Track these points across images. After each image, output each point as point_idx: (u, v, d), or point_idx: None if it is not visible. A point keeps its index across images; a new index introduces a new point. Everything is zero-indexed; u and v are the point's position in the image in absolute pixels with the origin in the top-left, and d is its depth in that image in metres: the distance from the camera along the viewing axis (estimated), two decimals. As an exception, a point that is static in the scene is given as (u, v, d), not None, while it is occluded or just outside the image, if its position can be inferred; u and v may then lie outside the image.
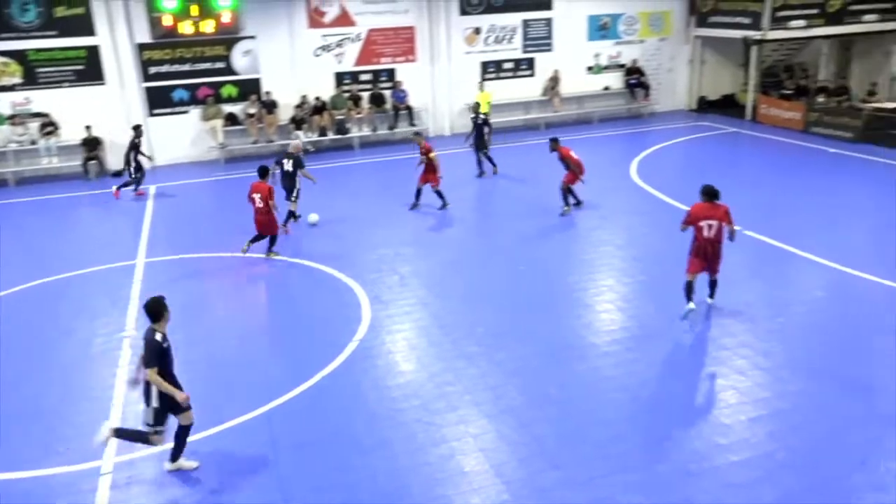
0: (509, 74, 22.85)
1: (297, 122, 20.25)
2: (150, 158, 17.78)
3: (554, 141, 14.56)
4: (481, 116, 17.56)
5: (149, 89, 19.54)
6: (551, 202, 14.89)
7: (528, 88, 22.98)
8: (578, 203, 14.79)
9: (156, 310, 6.65)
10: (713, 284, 9.97)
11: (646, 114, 24.12)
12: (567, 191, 14.44)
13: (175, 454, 7.03)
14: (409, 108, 21.53)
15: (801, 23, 21.49)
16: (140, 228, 14.66)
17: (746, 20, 21.84)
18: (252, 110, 20.10)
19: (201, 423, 7.26)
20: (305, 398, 8.22)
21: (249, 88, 20.25)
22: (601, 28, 23.54)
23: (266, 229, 12.48)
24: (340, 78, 21.25)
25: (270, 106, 20.22)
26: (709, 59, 24.88)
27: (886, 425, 7.33)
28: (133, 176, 17.00)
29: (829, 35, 22.60)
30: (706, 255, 9.51)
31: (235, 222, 14.86)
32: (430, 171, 14.72)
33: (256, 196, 12.27)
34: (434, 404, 8.03)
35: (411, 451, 7.24)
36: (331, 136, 20.93)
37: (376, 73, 21.58)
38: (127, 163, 17.02)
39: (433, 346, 9.40)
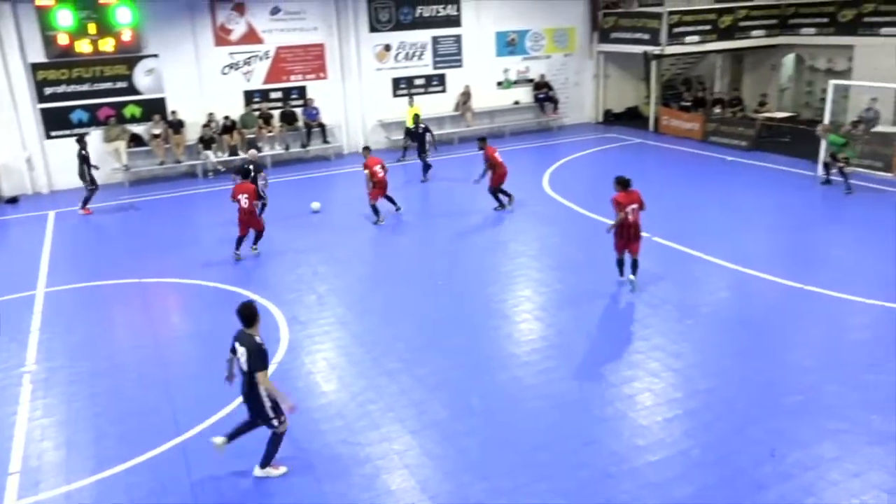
0: (421, 90, 23.02)
1: (206, 142, 19.74)
2: (96, 168, 17.28)
3: (482, 140, 15.74)
4: (422, 125, 18.62)
5: (45, 111, 18.64)
6: (465, 217, 15.06)
7: (440, 104, 23.22)
8: (510, 197, 15.60)
9: (250, 314, 6.80)
10: (635, 264, 11.14)
11: (555, 127, 24.77)
12: (496, 192, 15.39)
13: (264, 461, 7.06)
14: (321, 126, 21.36)
15: (696, 38, 22.64)
16: (39, 256, 13.91)
17: (646, 36, 22.82)
18: (157, 130, 19.47)
19: (111, 459, 6.93)
20: (223, 426, 7.94)
21: (154, 108, 19.61)
22: (509, 44, 24.08)
23: (253, 226, 13.16)
24: (250, 96, 20.88)
25: (177, 126, 19.64)
26: (612, 73, 25.82)
27: (789, 417, 7.73)
28: (92, 188, 16.64)
29: (722, 49, 23.89)
30: (628, 237, 10.87)
31: (142, 247, 14.36)
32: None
33: (243, 196, 12.80)
34: (357, 423, 7.94)
35: (336, 473, 7.12)
36: (242, 155, 20.47)
37: (287, 91, 21.33)
38: (82, 177, 16.55)
39: (354, 365, 9.30)
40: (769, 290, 11.07)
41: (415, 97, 22.03)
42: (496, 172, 15.19)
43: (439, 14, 22.75)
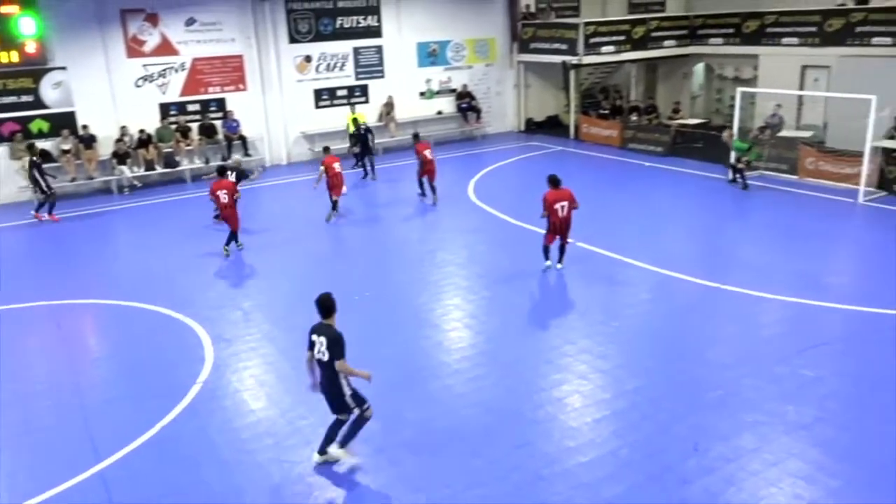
0: (343, 101, 22.89)
1: (121, 157, 19.04)
2: (53, 177, 17.07)
3: (415, 136, 17.62)
4: (363, 126, 19.62)
5: (-58, 127, 17.65)
6: (392, 228, 15.02)
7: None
8: (425, 195, 16.98)
9: (329, 305, 7.00)
10: (562, 249, 12.09)
11: (478, 136, 25.04)
12: (421, 182, 16.92)
13: (346, 439, 7.17)
14: (242, 139, 20.93)
15: (611, 48, 23.32)
16: (-61, 281, 13.09)
17: (563, 46, 23.36)
18: (66, 146, 18.66)
19: (24, 494, 6.56)
20: (146, 451, 7.66)
21: (63, 122, 18.80)
22: (430, 55, 24.23)
23: (230, 222, 13.64)
24: (166, 109, 20.28)
25: (88, 140, 18.88)
26: (533, 82, 26.31)
27: (711, 412, 8.00)
28: (48, 193, 16.59)
29: (636, 59, 24.69)
30: (559, 230, 11.81)
31: (52, 268, 13.72)
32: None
33: (222, 192, 13.42)
34: (287, 441, 7.78)
35: (267, 493, 6.96)
36: (159, 169, 19.89)
37: (205, 104, 20.82)
38: (34, 182, 16.43)
39: (283, 381, 9.11)
40: (688, 291, 11.46)
41: (356, 106, 22.18)
42: (424, 168, 16.66)
43: (360, 25, 22.70)
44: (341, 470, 7.23)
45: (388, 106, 23.14)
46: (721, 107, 25.75)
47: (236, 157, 16.73)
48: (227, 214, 13.69)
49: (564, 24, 23.86)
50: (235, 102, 21.07)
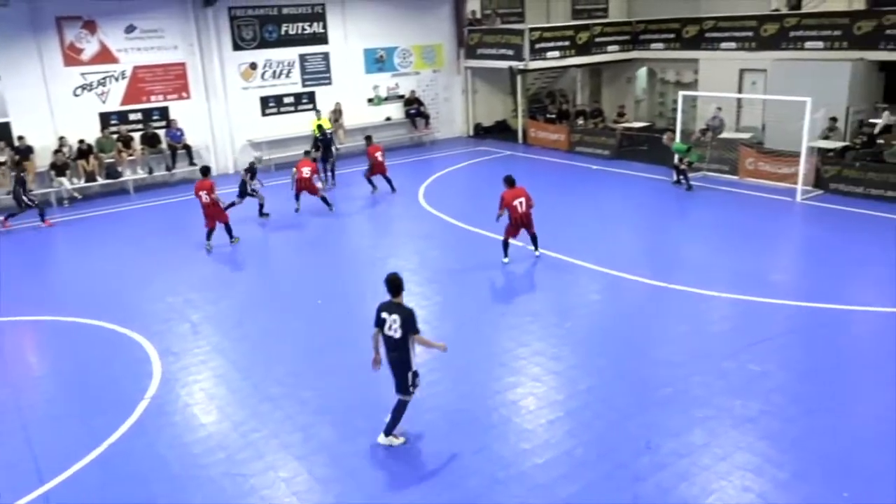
0: (291, 109, 22.68)
1: (59, 168, 18.47)
2: (31, 190, 17.06)
3: (368, 138, 18.59)
4: (329, 132, 19.86)
5: None
6: (343, 235, 14.91)
7: (311, 122, 22.89)
8: (375, 187, 18.33)
9: (399, 283, 7.37)
10: (534, 238, 12.79)
11: (427, 142, 25.08)
12: (370, 178, 18.23)
13: (390, 428, 7.55)
14: (187, 148, 20.53)
15: (557, 53, 23.66)
16: None
17: (510, 52, 23.60)
18: (2, 158, 18.01)
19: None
20: (92, 470, 7.42)
21: (-3, 134, 18.18)
22: (377, 61, 24.18)
23: (218, 218, 14.37)
24: (106, 118, 19.77)
25: (25, 152, 18.25)
26: (480, 88, 26.50)
27: (662, 409, 8.15)
28: (34, 205, 16.58)
29: (581, 64, 25.10)
30: (523, 224, 12.48)
31: (-9, 284, 13.24)
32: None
33: (202, 193, 14.02)
34: (240, 454, 7.63)
35: (219, 508, 6.81)
36: (101, 181, 19.36)
37: (147, 112, 20.36)
38: (17, 199, 16.42)
39: (234, 394, 8.95)
40: (637, 291, 11.66)
41: (320, 111, 21.96)
42: (374, 169, 17.99)
43: (306, 32, 22.52)
44: (297, 482, 7.13)
45: (336, 113, 22.99)
46: (664, 110, 26.36)
47: (256, 154, 18.84)
48: (210, 213, 14.23)
49: (510, 30, 24.11)
50: (179, 111, 20.66)
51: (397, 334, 7.27)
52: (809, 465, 7.04)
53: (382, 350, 7.51)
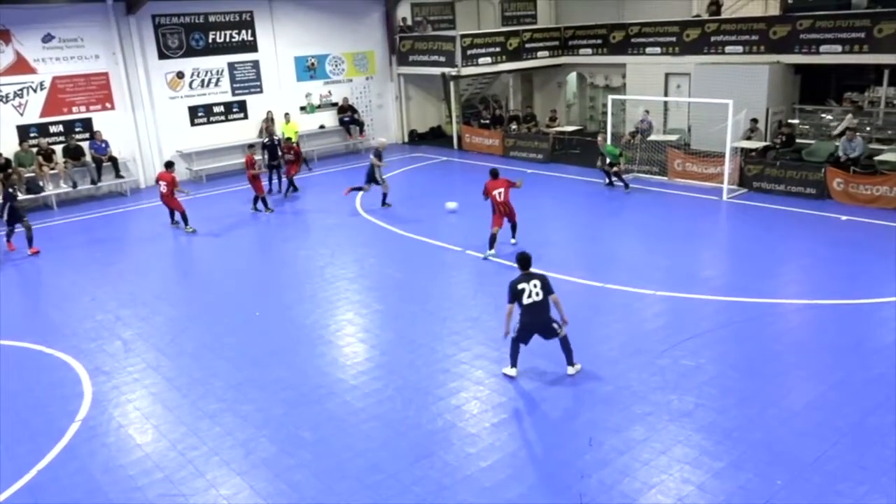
0: (221, 118, 22.22)
1: (-25, 184, 17.59)
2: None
3: (288, 140, 19.48)
4: (276, 138, 19.73)
5: None
6: (279, 245, 14.66)
7: (242, 131, 22.51)
8: (295, 189, 19.40)
9: (528, 257, 8.81)
10: (514, 227, 13.83)
11: (363, 149, 24.91)
12: (290, 181, 19.20)
13: (571, 356, 9.04)
14: (112, 160, 19.86)
15: (488, 59, 23.90)
16: None
17: (442, 58, 23.73)
18: (-88, 174, 17.06)
19: None
20: (21, 499, 7.08)
21: None
22: (309, 69, 23.95)
23: (173, 206, 16.45)
24: (25, 131, 18.96)
25: (-63, 168, 17.35)
26: (414, 94, 26.54)
27: (603, 406, 8.30)
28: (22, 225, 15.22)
29: (513, 69, 25.42)
30: (503, 213, 13.41)
31: None
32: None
33: (162, 183, 16.10)
34: (178, 474, 7.41)
35: (158, 531, 6.59)
36: (21, 196, 18.49)
37: (69, 124, 19.62)
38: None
39: (170, 412, 8.69)
40: (575, 291, 11.84)
41: (290, 115, 22.35)
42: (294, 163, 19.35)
43: (234, 39, 22.11)
44: (239, 498, 6.97)
45: (269, 121, 22.64)
46: (595, 114, 26.93)
47: (381, 139, 19.05)
48: (167, 203, 16.41)
49: (442, 37, 24.25)
50: (103, 122, 19.99)
51: (539, 297, 8.54)
52: (744, 455, 7.28)
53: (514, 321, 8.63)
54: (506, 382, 8.97)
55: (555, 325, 8.78)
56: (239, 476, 7.31)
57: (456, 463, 7.40)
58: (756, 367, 9.11)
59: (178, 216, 16.53)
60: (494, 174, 13.65)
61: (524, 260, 8.75)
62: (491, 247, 13.35)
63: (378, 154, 17.12)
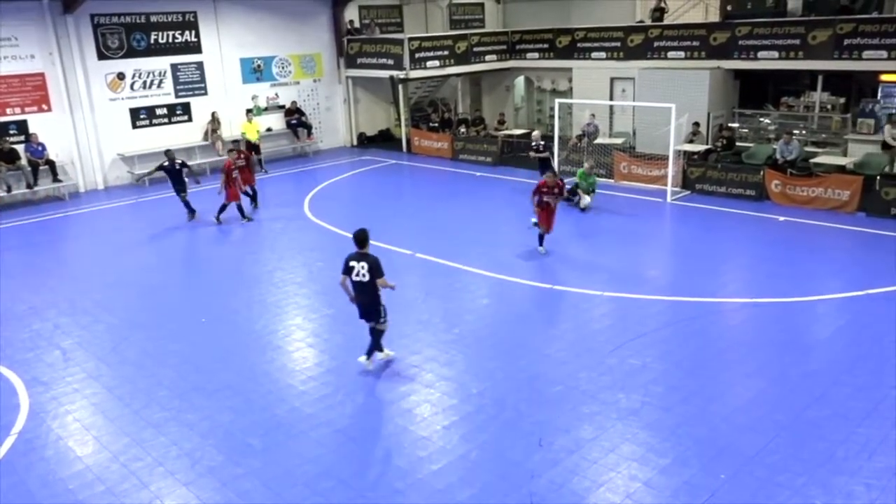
0: (164, 120, 21.74)
1: None
2: None
3: (232, 151, 17.09)
4: (176, 162, 16.71)
5: None
6: (225, 250, 14.40)
7: (187, 134, 22.07)
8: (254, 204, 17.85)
9: (365, 237, 8.78)
10: (541, 238, 13.78)
11: (311, 152, 24.72)
12: (253, 193, 17.71)
13: (371, 350, 9.21)
14: (49, 163, 19.22)
15: (436, 63, 23.96)
16: None
17: (390, 61, 23.68)
18: None
19: None
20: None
21: None
22: (255, 71, 23.61)
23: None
24: (-44, 134, 18.23)
25: None
26: (362, 97, 26.42)
27: (552, 406, 8.39)
28: None
29: (461, 73, 25.53)
30: (550, 212, 13.60)
31: None
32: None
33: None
34: (121, 486, 7.20)
35: (100, 546, 6.39)
36: (-49, 201, 17.79)
37: (2, 126, 18.91)
38: None
39: (112, 422, 8.43)
40: (523, 293, 11.97)
41: (252, 114, 22.11)
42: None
43: (177, 40, 21.66)
44: (184, 510, 6.82)
45: (214, 123, 22.26)
46: (542, 117, 27.23)
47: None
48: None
49: (390, 40, 24.20)
50: (39, 124, 19.33)
51: (365, 278, 8.65)
52: (688, 451, 7.44)
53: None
54: (456, 384, 8.97)
55: (380, 314, 9.01)
56: (185, 486, 7.15)
57: (407, 467, 7.37)
58: (700, 364, 9.33)
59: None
60: (552, 170, 14.48)
61: (358, 238, 8.83)
62: (541, 244, 13.85)
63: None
